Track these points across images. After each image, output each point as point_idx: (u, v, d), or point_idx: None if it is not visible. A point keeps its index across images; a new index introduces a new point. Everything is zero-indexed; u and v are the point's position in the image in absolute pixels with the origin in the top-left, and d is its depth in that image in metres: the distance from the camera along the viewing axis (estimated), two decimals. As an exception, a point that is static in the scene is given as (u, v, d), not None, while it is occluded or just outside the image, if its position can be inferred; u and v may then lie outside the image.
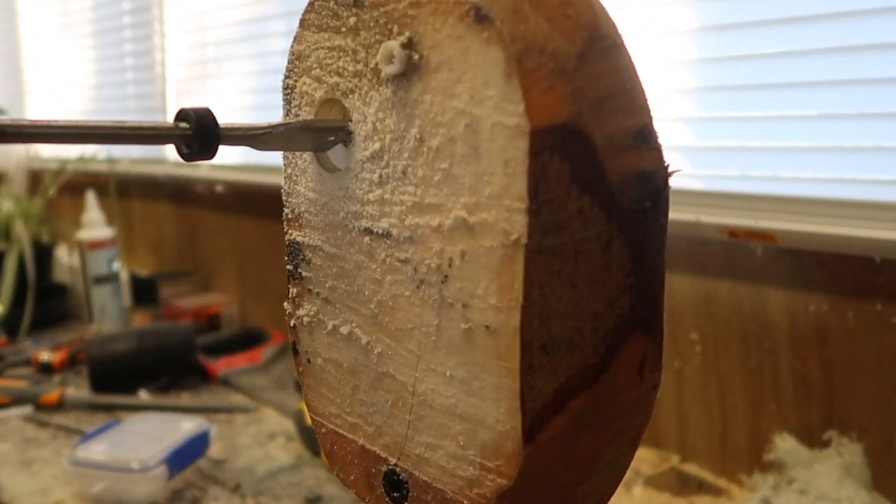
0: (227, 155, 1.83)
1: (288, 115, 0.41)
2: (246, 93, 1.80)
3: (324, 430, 0.44)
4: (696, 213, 0.98)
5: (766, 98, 0.98)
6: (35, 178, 2.25)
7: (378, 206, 0.37)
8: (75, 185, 2.12)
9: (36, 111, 2.64)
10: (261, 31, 1.75)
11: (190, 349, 1.47)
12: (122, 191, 2.14)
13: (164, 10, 1.97)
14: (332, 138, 0.38)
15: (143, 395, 1.40)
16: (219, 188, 1.81)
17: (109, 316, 1.76)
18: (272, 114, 1.68)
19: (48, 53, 2.55)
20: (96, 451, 1.06)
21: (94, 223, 1.77)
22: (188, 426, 1.12)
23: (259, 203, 1.71)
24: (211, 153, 0.36)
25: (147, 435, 1.10)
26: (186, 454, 1.09)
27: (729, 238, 0.96)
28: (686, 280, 1.04)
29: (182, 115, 0.35)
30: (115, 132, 0.34)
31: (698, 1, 1.03)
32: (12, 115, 2.42)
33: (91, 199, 1.79)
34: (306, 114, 0.40)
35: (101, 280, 1.76)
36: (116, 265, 1.79)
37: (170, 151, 2.01)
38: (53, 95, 2.55)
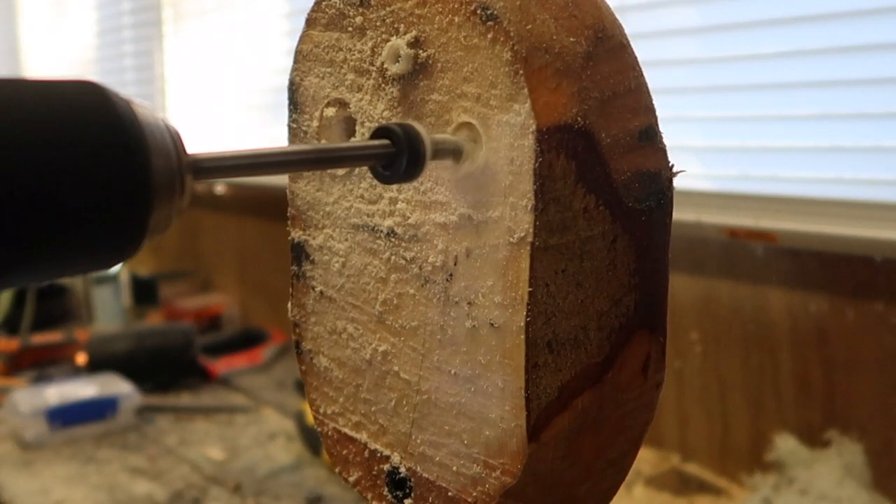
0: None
1: (292, 113, 0.41)
2: (245, 93, 1.80)
3: (327, 428, 0.44)
4: (697, 214, 0.99)
5: (766, 98, 0.99)
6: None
7: (383, 204, 0.37)
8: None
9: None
10: (263, 31, 1.75)
11: (189, 349, 1.47)
12: (121, 191, 2.13)
13: (164, 10, 1.97)
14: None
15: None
16: (219, 188, 1.81)
17: (109, 316, 1.76)
18: (272, 114, 1.68)
19: (48, 53, 2.55)
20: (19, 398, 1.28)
21: (94, 223, 1.77)
22: (88, 391, 1.28)
23: (259, 203, 1.71)
24: (417, 173, 0.31)
25: (55, 393, 1.29)
26: (74, 412, 1.25)
27: (729, 238, 0.96)
28: (687, 280, 1.04)
29: (383, 131, 0.31)
30: (318, 157, 0.32)
31: (699, 1, 1.03)
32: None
33: (91, 198, 1.78)
34: (310, 113, 0.40)
35: (101, 280, 1.76)
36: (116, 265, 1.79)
37: (170, 151, 2.01)
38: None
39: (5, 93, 0.23)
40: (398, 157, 0.31)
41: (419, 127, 0.32)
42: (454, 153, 0.33)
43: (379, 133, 0.32)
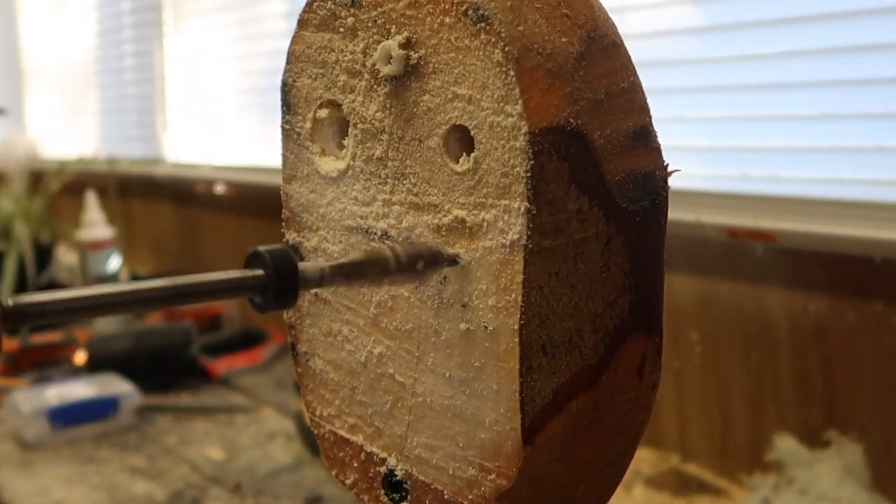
0: (227, 155, 1.83)
1: (286, 115, 0.41)
2: (245, 93, 1.80)
3: (323, 431, 0.43)
4: (697, 213, 0.98)
5: (766, 98, 0.98)
6: (35, 178, 2.25)
7: (376, 206, 0.37)
8: (75, 185, 2.12)
9: (36, 111, 2.64)
10: (260, 32, 1.75)
11: (189, 349, 1.47)
12: (122, 191, 2.14)
13: (164, 10, 1.97)
14: (421, 265, 0.33)
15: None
16: (219, 188, 1.81)
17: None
18: (271, 114, 1.68)
19: (48, 53, 2.55)
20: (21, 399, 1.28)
21: (95, 223, 1.77)
22: (88, 391, 1.29)
23: (259, 203, 1.71)
24: (290, 303, 0.30)
25: (56, 393, 1.29)
26: (75, 413, 1.25)
27: (729, 238, 0.96)
28: (686, 280, 1.04)
29: (256, 258, 0.30)
30: (163, 294, 0.28)
31: (699, 1, 1.03)
32: (12, 116, 2.42)
33: (91, 199, 1.79)
34: (303, 114, 0.40)
35: (102, 280, 1.76)
36: (116, 265, 1.79)
37: (170, 151, 2.01)
38: (53, 95, 2.55)
39: None
40: (269, 288, 0.29)
41: (291, 253, 0.29)
42: (348, 276, 0.31)
43: (252, 260, 0.30)
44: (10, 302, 0.25)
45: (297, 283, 0.29)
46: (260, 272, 0.29)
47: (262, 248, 0.30)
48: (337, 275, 0.31)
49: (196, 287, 0.29)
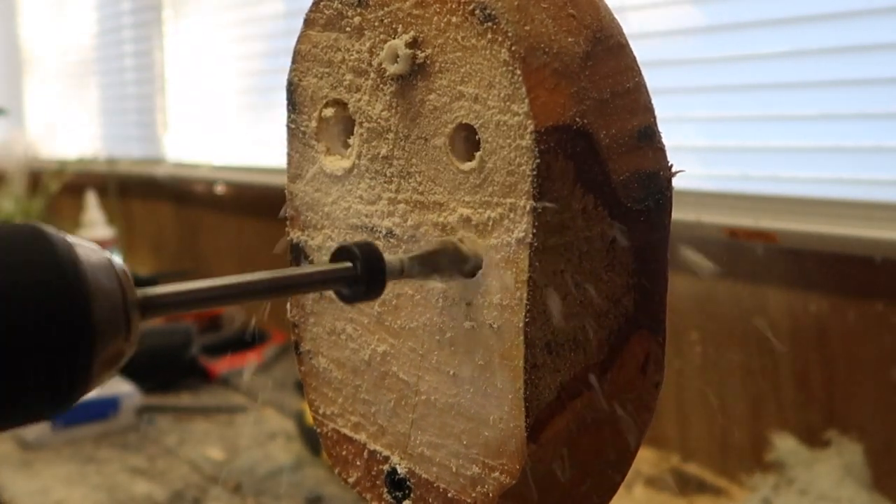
0: (227, 155, 1.83)
1: (291, 114, 0.41)
2: (245, 93, 1.80)
3: (326, 429, 0.44)
4: (697, 213, 0.98)
5: (766, 98, 0.98)
6: (35, 178, 2.25)
7: (381, 205, 0.37)
8: (75, 185, 2.12)
9: (36, 111, 2.64)
10: (260, 32, 1.75)
11: (189, 349, 1.47)
12: (122, 191, 2.14)
13: (164, 10, 1.97)
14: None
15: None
16: (219, 188, 1.81)
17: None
18: (271, 114, 1.68)
19: (48, 53, 2.55)
20: None
21: (95, 223, 1.77)
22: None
23: (259, 203, 1.71)
24: (378, 294, 0.31)
25: None
26: (75, 412, 1.20)
27: (729, 238, 0.96)
28: (687, 280, 1.04)
29: (344, 252, 0.31)
30: (274, 286, 0.30)
31: (699, 1, 1.03)
32: (12, 116, 2.42)
33: (91, 199, 1.79)
34: (309, 113, 0.40)
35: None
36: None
37: (170, 151, 2.01)
38: (53, 95, 2.55)
39: None
40: (358, 280, 0.30)
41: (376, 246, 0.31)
42: (422, 271, 0.33)
43: (339, 254, 0.31)
44: (139, 295, 0.27)
45: (384, 274, 0.31)
46: (349, 265, 0.31)
47: (349, 242, 0.31)
48: (415, 265, 0.32)
49: (294, 279, 0.31)
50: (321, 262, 0.41)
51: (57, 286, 0.24)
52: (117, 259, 0.27)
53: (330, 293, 0.41)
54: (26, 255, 0.24)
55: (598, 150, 0.32)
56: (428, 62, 0.34)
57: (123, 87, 2.21)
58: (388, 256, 0.32)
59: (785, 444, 0.94)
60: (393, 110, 0.36)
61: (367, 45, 0.36)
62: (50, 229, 0.25)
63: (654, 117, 0.34)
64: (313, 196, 0.41)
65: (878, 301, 0.88)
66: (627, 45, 0.34)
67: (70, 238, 0.26)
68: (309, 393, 0.44)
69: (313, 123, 0.40)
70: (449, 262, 0.33)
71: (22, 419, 0.25)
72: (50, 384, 0.24)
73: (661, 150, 0.34)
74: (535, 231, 0.31)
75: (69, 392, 0.25)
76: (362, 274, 0.30)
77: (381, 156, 0.37)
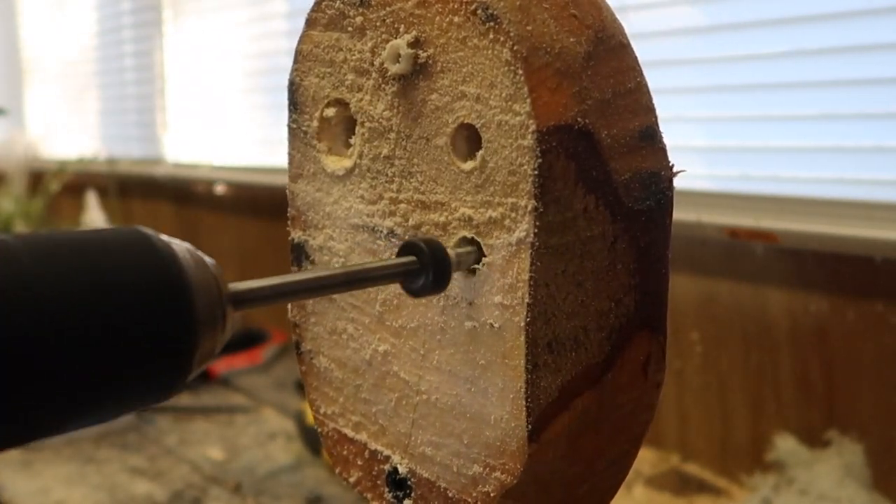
0: (227, 154, 1.83)
1: (292, 113, 0.41)
2: (246, 93, 1.80)
3: (327, 429, 0.44)
4: (698, 213, 0.99)
5: (767, 98, 0.99)
6: (35, 178, 2.25)
7: (383, 204, 0.37)
8: (75, 185, 2.12)
9: (36, 111, 2.64)
10: (263, 32, 1.75)
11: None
12: (122, 191, 2.14)
13: (164, 10, 1.97)
14: None
15: None
16: (219, 188, 1.81)
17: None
18: (271, 114, 1.68)
19: (48, 53, 2.55)
20: None
21: (95, 223, 1.77)
22: None
23: (259, 203, 1.71)
24: (444, 287, 0.33)
25: None
26: None
27: (730, 238, 0.96)
28: (687, 280, 1.04)
29: (410, 247, 0.33)
30: (348, 279, 0.32)
31: (699, 1, 1.03)
32: (12, 116, 2.42)
33: (91, 199, 1.79)
34: (310, 113, 0.40)
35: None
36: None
37: (170, 151, 2.01)
38: (53, 95, 2.55)
39: (68, 246, 0.25)
40: (423, 273, 0.32)
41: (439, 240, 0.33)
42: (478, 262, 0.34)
43: (405, 249, 0.33)
44: (232, 289, 0.29)
45: (449, 268, 0.32)
46: (414, 258, 0.32)
47: (415, 238, 0.33)
48: (463, 261, 0.34)
49: (367, 273, 0.32)
50: (322, 261, 0.41)
51: (163, 284, 0.26)
52: (208, 258, 0.29)
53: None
54: (132, 256, 0.26)
55: (599, 150, 0.32)
56: (430, 62, 0.34)
57: (123, 87, 2.21)
58: (449, 251, 0.33)
59: (785, 444, 0.95)
60: (394, 110, 0.36)
61: (369, 44, 0.36)
62: (150, 231, 0.27)
63: (656, 117, 0.34)
64: (314, 196, 0.41)
65: (878, 301, 0.88)
66: (629, 45, 0.34)
67: (167, 238, 0.27)
68: (310, 392, 0.44)
69: (315, 123, 0.40)
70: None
71: (132, 406, 0.27)
72: (158, 374, 0.26)
73: (662, 151, 0.34)
74: (536, 231, 0.31)
75: (175, 381, 0.27)
76: (430, 268, 0.32)
77: (382, 156, 0.37)
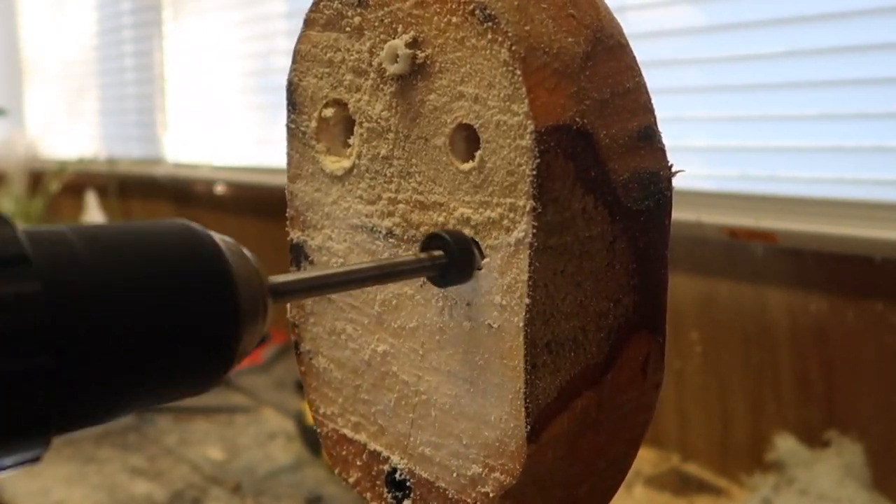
0: (228, 155, 1.83)
1: (291, 114, 0.41)
2: (245, 93, 1.80)
3: (326, 429, 0.43)
4: (697, 214, 0.99)
5: (767, 98, 0.98)
6: (35, 178, 2.25)
7: (381, 205, 0.37)
8: (75, 185, 2.12)
9: (36, 111, 2.64)
10: (263, 32, 1.75)
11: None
12: (122, 191, 2.14)
13: (164, 10, 1.97)
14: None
15: None
16: (219, 188, 1.81)
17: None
18: (271, 114, 1.68)
19: (48, 54, 2.55)
20: None
21: (95, 223, 1.77)
22: None
23: (259, 203, 1.71)
24: (469, 278, 0.33)
25: None
26: None
27: (730, 238, 0.96)
28: (687, 280, 1.04)
29: (435, 240, 0.34)
30: (380, 273, 0.33)
31: (699, 1, 1.03)
32: (12, 116, 2.42)
33: (91, 199, 1.79)
34: (309, 113, 0.40)
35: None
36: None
37: (170, 151, 2.01)
38: (53, 95, 2.55)
39: (122, 240, 0.26)
40: (451, 266, 0.33)
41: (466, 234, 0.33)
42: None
43: (431, 242, 0.34)
44: (271, 281, 0.30)
45: (474, 261, 0.33)
46: (441, 252, 0.33)
47: (441, 231, 0.34)
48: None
49: (397, 266, 0.33)
50: (320, 262, 0.41)
51: (210, 275, 0.27)
52: (248, 251, 0.29)
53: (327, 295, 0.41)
54: (181, 250, 0.27)
55: (598, 150, 0.32)
56: (428, 62, 0.34)
57: (123, 87, 2.21)
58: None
59: (785, 444, 0.94)
60: (393, 110, 0.36)
61: (367, 45, 0.36)
62: (195, 225, 0.28)
63: (654, 117, 0.34)
64: (313, 196, 0.41)
65: (878, 301, 0.88)
66: (627, 45, 0.34)
67: (211, 233, 0.28)
68: (309, 393, 0.44)
69: (313, 123, 0.40)
70: None
71: (180, 393, 0.28)
72: (204, 361, 0.27)
73: (661, 151, 0.34)
74: (534, 231, 0.31)
75: (219, 371, 0.28)
76: (455, 260, 0.33)
77: (381, 156, 0.37)
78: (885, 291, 0.87)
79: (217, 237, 0.28)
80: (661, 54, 1.06)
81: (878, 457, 0.89)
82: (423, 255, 0.33)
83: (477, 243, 0.34)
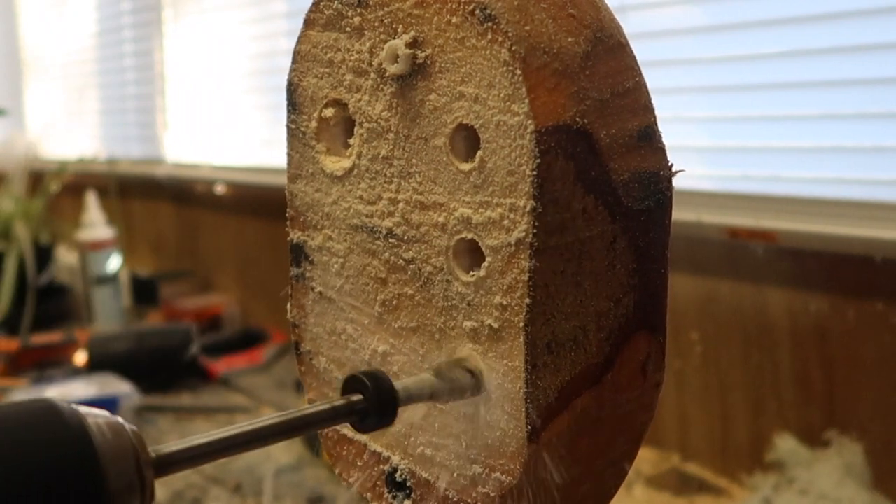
0: (228, 155, 1.83)
1: (291, 114, 0.41)
2: (247, 93, 1.80)
3: (326, 430, 0.44)
4: (698, 213, 0.98)
5: (767, 98, 0.98)
6: (35, 178, 2.25)
7: (382, 205, 0.37)
8: (75, 185, 2.11)
9: (36, 111, 2.64)
10: (263, 32, 1.75)
11: (189, 349, 1.47)
12: (122, 191, 2.13)
13: (164, 10, 1.97)
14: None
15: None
16: (219, 188, 1.81)
17: (109, 316, 1.76)
18: (272, 114, 1.68)
19: (48, 53, 2.55)
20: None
21: (95, 223, 1.77)
22: (88, 391, 1.29)
23: (259, 203, 1.71)
24: (391, 422, 0.32)
25: (57, 393, 1.29)
26: None
27: (730, 238, 0.96)
28: (687, 280, 1.04)
29: (354, 384, 0.32)
30: (286, 428, 0.31)
31: (699, 1, 1.03)
32: (12, 116, 2.42)
33: (91, 199, 1.79)
34: (309, 113, 0.40)
35: (101, 280, 1.76)
36: (116, 265, 1.78)
37: (170, 151, 2.01)
38: (53, 95, 2.55)
39: None
40: (368, 413, 0.31)
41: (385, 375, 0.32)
42: (432, 396, 0.33)
43: (349, 386, 0.32)
44: (153, 454, 0.29)
45: (396, 403, 0.32)
46: (359, 398, 0.31)
47: (358, 373, 0.32)
48: (424, 390, 0.33)
49: (306, 419, 0.31)
50: (321, 262, 0.41)
51: (71, 459, 0.26)
52: (128, 424, 0.29)
53: (331, 293, 0.41)
54: (39, 431, 0.26)
55: (598, 150, 0.32)
56: (428, 62, 0.34)
57: (123, 87, 2.21)
58: (397, 383, 0.32)
59: (785, 444, 0.94)
60: (393, 110, 0.36)
61: (368, 45, 0.36)
62: (61, 403, 0.27)
63: (655, 117, 0.34)
64: (313, 196, 0.41)
65: (878, 301, 0.88)
66: (627, 44, 0.34)
67: (81, 409, 0.27)
68: (309, 393, 0.44)
69: (313, 123, 0.40)
70: (451, 390, 0.34)
71: None
72: None
73: (661, 150, 0.34)
74: (535, 231, 0.31)
75: None
76: (373, 406, 0.31)
77: (381, 156, 0.37)
78: (886, 291, 0.87)
79: (89, 413, 0.27)
80: (661, 54, 1.06)
81: (878, 457, 0.89)
82: (336, 403, 0.31)
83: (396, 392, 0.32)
